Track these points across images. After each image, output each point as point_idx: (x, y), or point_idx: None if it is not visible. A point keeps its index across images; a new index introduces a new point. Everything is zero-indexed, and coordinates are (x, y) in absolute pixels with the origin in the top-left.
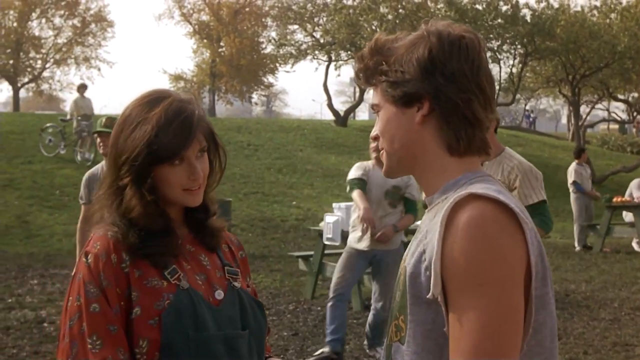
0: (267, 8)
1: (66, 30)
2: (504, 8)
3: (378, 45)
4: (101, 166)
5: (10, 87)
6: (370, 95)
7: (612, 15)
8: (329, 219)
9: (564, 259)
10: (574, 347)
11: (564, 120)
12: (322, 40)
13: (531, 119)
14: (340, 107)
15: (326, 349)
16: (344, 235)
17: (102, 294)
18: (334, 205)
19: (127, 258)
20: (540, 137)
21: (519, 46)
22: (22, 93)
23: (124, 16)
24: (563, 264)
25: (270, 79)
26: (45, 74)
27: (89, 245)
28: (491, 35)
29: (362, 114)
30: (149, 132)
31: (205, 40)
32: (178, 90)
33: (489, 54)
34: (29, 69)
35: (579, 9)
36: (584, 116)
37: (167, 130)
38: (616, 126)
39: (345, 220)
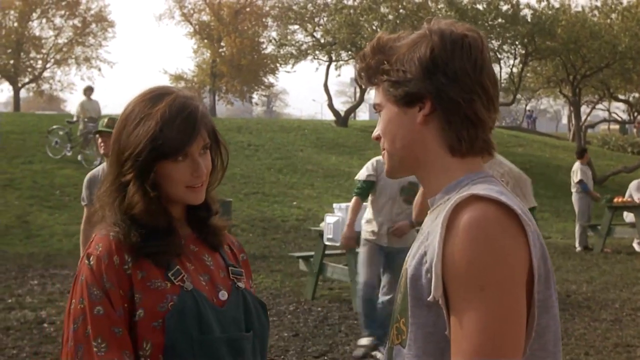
0: (267, 8)
1: (67, 30)
2: (505, 8)
3: (380, 44)
4: (102, 167)
5: (10, 87)
6: (371, 95)
7: (613, 16)
8: (330, 219)
9: (564, 260)
10: (575, 348)
11: (564, 120)
12: (322, 41)
13: (532, 119)
14: (341, 107)
15: (369, 339)
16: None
17: (105, 296)
18: (335, 205)
19: (130, 259)
20: (541, 138)
21: (519, 46)
22: (23, 93)
23: (125, 16)
24: (564, 264)
25: (270, 79)
26: (46, 74)
27: (90, 247)
28: (491, 35)
29: (363, 114)
30: (153, 127)
31: (205, 41)
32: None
33: None
34: (29, 69)
35: (579, 9)
36: (584, 116)
37: (171, 125)
38: (617, 126)
39: (345, 221)
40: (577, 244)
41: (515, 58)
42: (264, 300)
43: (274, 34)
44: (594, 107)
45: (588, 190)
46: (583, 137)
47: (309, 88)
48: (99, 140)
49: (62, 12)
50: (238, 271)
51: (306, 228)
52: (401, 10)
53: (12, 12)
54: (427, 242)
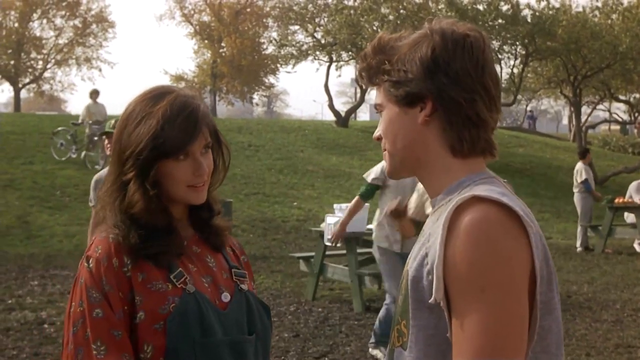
0: (268, 9)
1: (67, 30)
2: (505, 8)
3: (381, 44)
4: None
5: (11, 88)
6: (372, 95)
7: (614, 16)
8: (330, 220)
9: (565, 260)
10: (576, 348)
11: (565, 121)
12: (323, 41)
13: (532, 120)
14: (341, 107)
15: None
16: (345, 236)
17: (104, 298)
18: (335, 206)
19: (129, 261)
20: (541, 138)
21: (519, 46)
22: (23, 94)
23: (125, 17)
24: (565, 265)
25: (271, 79)
26: (47, 74)
27: (90, 250)
28: (492, 36)
29: (363, 114)
30: (155, 125)
31: (206, 41)
32: None
33: None
34: (30, 70)
35: (580, 9)
36: (585, 117)
37: (172, 124)
38: (617, 127)
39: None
40: (578, 245)
41: (515, 58)
42: (264, 300)
43: (274, 34)
44: (594, 108)
45: (591, 190)
46: (584, 137)
47: (309, 88)
48: (106, 142)
49: (63, 12)
50: (241, 273)
51: (307, 228)
52: (402, 11)
53: (12, 12)
54: (428, 244)
